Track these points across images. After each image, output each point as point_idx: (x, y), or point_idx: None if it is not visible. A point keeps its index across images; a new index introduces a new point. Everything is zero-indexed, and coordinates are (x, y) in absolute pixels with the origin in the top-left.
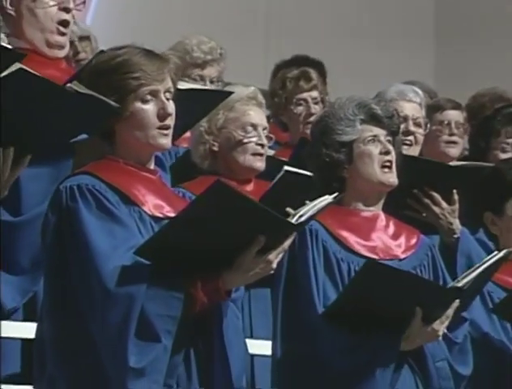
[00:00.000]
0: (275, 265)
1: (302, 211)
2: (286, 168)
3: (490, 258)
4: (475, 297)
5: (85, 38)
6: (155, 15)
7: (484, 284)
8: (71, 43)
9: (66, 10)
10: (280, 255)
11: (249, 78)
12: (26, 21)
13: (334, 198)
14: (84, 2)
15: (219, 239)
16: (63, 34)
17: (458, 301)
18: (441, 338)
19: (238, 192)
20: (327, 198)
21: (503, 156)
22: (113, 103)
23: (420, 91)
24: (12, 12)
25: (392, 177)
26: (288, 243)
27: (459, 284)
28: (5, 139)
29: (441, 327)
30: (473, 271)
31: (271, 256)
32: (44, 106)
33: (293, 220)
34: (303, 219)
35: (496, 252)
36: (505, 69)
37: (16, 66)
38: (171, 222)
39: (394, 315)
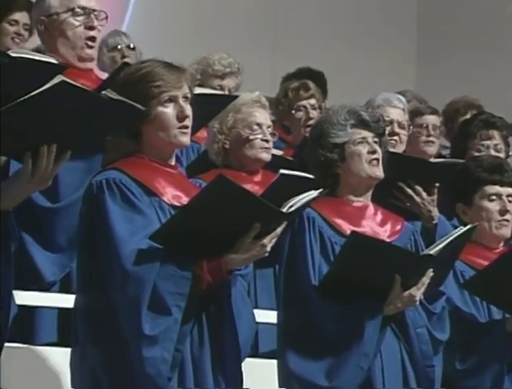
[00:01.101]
0: (268, 248)
1: (291, 202)
2: (281, 171)
3: (457, 232)
4: (449, 271)
5: (132, 48)
6: (182, 28)
7: (454, 257)
8: (119, 49)
9: (91, 27)
10: (274, 240)
11: (258, 88)
12: (59, 41)
13: (320, 193)
14: (107, 18)
15: (221, 226)
16: (91, 47)
17: (431, 270)
18: (420, 306)
19: (238, 185)
20: (313, 193)
21: (478, 155)
22: (141, 107)
23: (403, 99)
24: (47, 34)
25: (378, 171)
26: (280, 230)
27: (431, 252)
28: (49, 138)
29: (417, 292)
30: (442, 241)
31: (266, 240)
32: (82, 110)
33: (284, 210)
34: (292, 209)
35: (461, 227)
36: (482, 77)
37: (59, 77)
38: (179, 211)
39: (377, 284)
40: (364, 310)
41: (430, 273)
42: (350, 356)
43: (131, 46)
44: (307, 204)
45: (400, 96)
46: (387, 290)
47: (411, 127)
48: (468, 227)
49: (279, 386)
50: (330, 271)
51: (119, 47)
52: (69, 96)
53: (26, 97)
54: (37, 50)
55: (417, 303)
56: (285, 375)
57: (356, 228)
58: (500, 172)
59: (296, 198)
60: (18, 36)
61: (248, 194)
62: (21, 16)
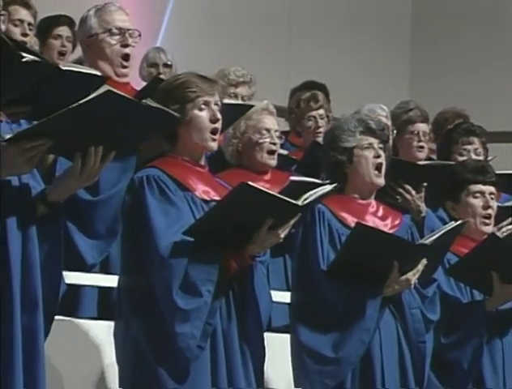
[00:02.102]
0: (282, 236)
1: (306, 195)
2: (291, 178)
3: (449, 226)
4: (440, 261)
5: (169, 66)
6: (210, 43)
7: (445, 249)
8: (157, 65)
9: (126, 45)
10: (287, 230)
11: (272, 97)
12: (99, 58)
13: (334, 187)
14: (140, 35)
15: (243, 221)
16: (126, 67)
17: (425, 259)
18: (414, 290)
19: (259, 188)
20: (327, 187)
21: (460, 158)
22: (175, 113)
23: (385, 108)
24: (89, 51)
25: (380, 180)
26: (293, 221)
27: (426, 242)
28: (96, 140)
29: (413, 277)
30: (436, 233)
31: (280, 231)
32: (125, 116)
33: (299, 203)
34: (307, 201)
35: (453, 222)
36: (468, 91)
37: (105, 87)
38: (209, 212)
39: (377, 269)
40: (366, 291)
41: (424, 261)
42: (353, 331)
43: (168, 63)
44: (319, 199)
45: (383, 106)
46: (386, 275)
47: (395, 131)
48: (459, 222)
49: (291, 359)
50: (337, 257)
51: (156, 63)
52: (113, 103)
53: (76, 104)
54: (79, 61)
55: (412, 287)
56: (296, 347)
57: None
58: (483, 173)
59: (312, 192)
60: (62, 48)
61: (268, 194)
62: (63, 30)
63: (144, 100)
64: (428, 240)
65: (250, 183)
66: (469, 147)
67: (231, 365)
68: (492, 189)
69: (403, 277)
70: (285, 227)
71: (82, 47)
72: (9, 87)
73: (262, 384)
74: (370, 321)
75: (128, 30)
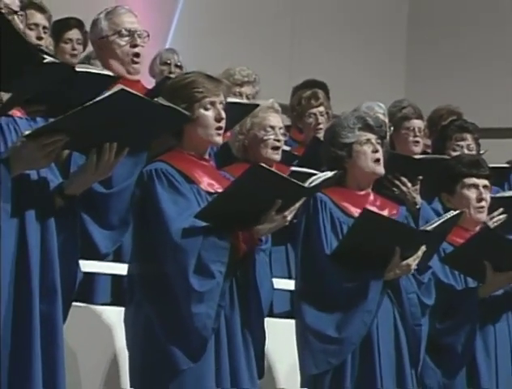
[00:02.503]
0: (289, 218)
1: (311, 179)
2: (292, 168)
3: (448, 214)
4: (437, 248)
5: (180, 67)
6: (216, 45)
7: (442, 238)
8: (169, 64)
9: (135, 45)
10: (293, 212)
11: (275, 95)
12: (110, 57)
13: (334, 174)
14: (148, 36)
15: (252, 203)
16: (137, 63)
17: (424, 246)
18: (411, 276)
19: (270, 169)
20: (329, 174)
21: (454, 153)
22: (186, 112)
23: (382, 105)
24: (101, 53)
25: (380, 169)
26: (298, 204)
27: (427, 228)
28: (110, 137)
29: (413, 262)
30: (436, 221)
31: (286, 213)
32: (137, 114)
33: (306, 185)
34: (312, 185)
35: (452, 211)
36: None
37: (119, 86)
38: (220, 194)
39: (379, 254)
40: (368, 275)
41: (424, 247)
42: (356, 312)
43: (179, 64)
44: (322, 187)
45: (380, 103)
46: (387, 261)
47: (392, 128)
48: (457, 212)
49: (297, 342)
50: (342, 242)
51: (169, 62)
52: (127, 101)
53: (91, 102)
54: (87, 58)
55: (412, 271)
56: (302, 329)
57: (360, 211)
58: (476, 167)
59: (315, 177)
60: (73, 50)
61: (278, 175)
62: (73, 34)
63: (156, 99)
64: (430, 227)
65: (262, 164)
66: (462, 142)
67: (233, 349)
68: (485, 182)
69: (404, 262)
70: (292, 210)
71: (94, 47)
72: (30, 86)
73: (262, 368)
74: (372, 303)
75: (136, 31)
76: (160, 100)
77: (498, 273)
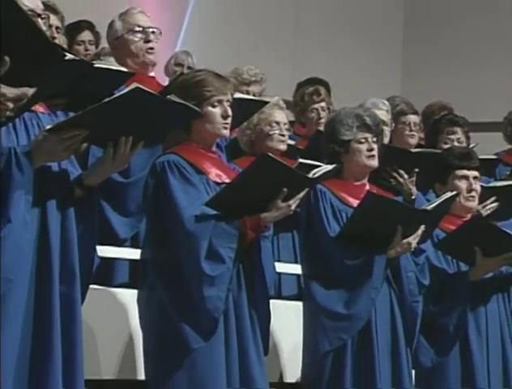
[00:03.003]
0: (293, 207)
1: (314, 171)
2: (300, 160)
3: (445, 195)
4: (433, 229)
5: (192, 69)
6: (224, 45)
7: (439, 218)
8: (182, 65)
9: (148, 41)
10: (297, 201)
11: (280, 92)
12: (125, 54)
13: (334, 168)
14: (161, 33)
15: (259, 192)
16: (152, 54)
17: (423, 226)
18: (411, 251)
19: (277, 159)
20: (329, 167)
21: (445, 146)
22: (197, 109)
23: (386, 102)
24: (117, 52)
25: (374, 162)
26: (302, 194)
27: (427, 208)
28: (126, 131)
29: (413, 240)
30: (434, 202)
31: (291, 202)
32: (151, 110)
33: (309, 176)
34: (315, 176)
35: (448, 192)
36: (453, 86)
37: (134, 84)
38: (230, 183)
39: (382, 233)
40: (372, 253)
41: (423, 227)
42: (362, 289)
43: (191, 66)
44: (322, 179)
45: (384, 101)
46: (389, 240)
47: (393, 124)
48: (453, 193)
49: (306, 325)
50: (347, 224)
51: (182, 63)
52: (141, 99)
53: (108, 99)
54: (97, 55)
55: (412, 249)
56: (313, 310)
57: (357, 201)
58: (467, 159)
59: (317, 169)
60: (86, 51)
61: (283, 165)
62: (85, 35)
63: (169, 96)
64: (429, 207)
65: (270, 154)
66: (453, 136)
67: (241, 329)
68: (475, 173)
69: (405, 240)
70: (296, 199)
71: (111, 48)
72: (53, 83)
73: (267, 345)
74: (377, 280)
75: (149, 28)
76: (173, 97)
77: (487, 258)
